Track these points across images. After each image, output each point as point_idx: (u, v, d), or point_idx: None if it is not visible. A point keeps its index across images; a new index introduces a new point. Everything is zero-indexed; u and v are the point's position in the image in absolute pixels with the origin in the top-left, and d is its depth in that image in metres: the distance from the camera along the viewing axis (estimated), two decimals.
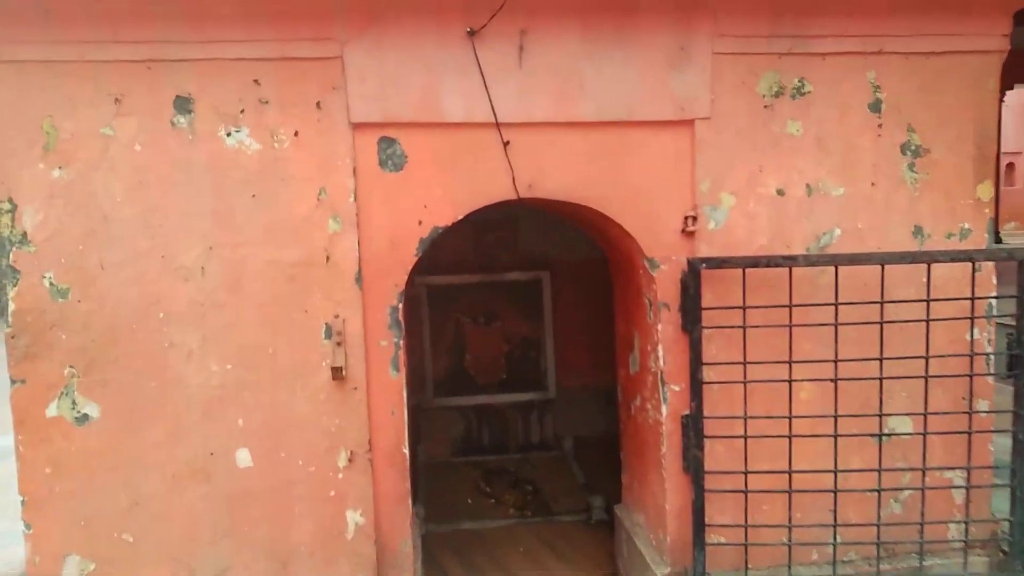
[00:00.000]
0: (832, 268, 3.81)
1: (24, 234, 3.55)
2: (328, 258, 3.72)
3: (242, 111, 3.63)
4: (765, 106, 3.87)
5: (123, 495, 3.71)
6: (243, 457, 3.76)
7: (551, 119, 3.77)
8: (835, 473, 3.88)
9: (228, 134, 3.64)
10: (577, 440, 7.12)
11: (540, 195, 3.83)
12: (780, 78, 3.87)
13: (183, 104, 3.60)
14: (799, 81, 3.88)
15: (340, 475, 3.81)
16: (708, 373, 3.87)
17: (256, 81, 3.62)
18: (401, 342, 3.83)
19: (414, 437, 7.07)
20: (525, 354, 7.34)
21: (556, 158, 3.82)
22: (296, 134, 3.66)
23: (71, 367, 3.63)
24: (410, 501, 3.95)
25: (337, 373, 3.67)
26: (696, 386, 3.82)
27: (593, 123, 3.80)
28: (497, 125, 3.73)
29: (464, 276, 7.07)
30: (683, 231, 3.88)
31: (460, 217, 3.83)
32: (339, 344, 3.72)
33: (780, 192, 3.91)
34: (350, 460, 3.80)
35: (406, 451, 3.88)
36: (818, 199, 3.94)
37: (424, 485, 6.30)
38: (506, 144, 3.76)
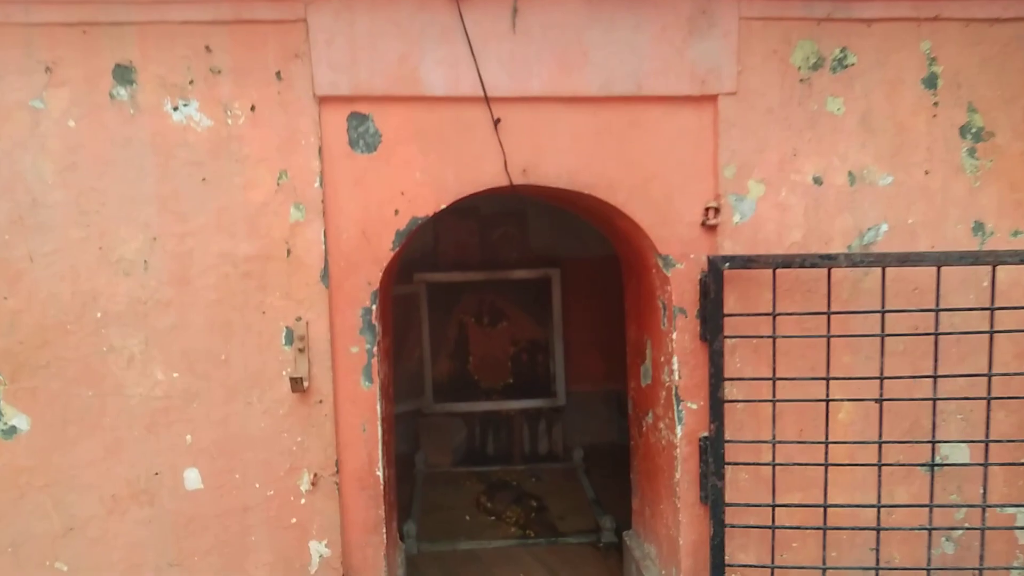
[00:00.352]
0: (878, 270, 3.26)
1: None
2: (289, 252, 3.23)
3: (191, 82, 3.15)
4: (801, 80, 3.31)
5: (56, 518, 3.26)
6: (191, 478, 3.29)
7: (549, 93, 3.24)
8: (878, 508, 3.32)
9: (175, 108, 3.15)
10: (588, 450, 6.60)
11: (536, 181, 3.30)
12: (818, 47, 3.30)
13: (123, 74, 3.13)
14: (841, 51, 3.31)
15: (302, 500, 3.32)
16: (731, 390, 3.33)
17: (207, 47, 3.14)
18: (375, 349, 3.33)
19: (412, 445, 6.61)
20: (533, 358, 6.83)
21: (555, 139, 3.29)
22: (252, 108, 3.17)
23: None
24: (384, 529, 3.45)
25: (297, 384, 3.18)
26: (716, 405, 3.28)
27: (598, 98, 3.26)
28: (486, 100, 3.21)
29: (468, 273, 6.56)
30: (703, 224, 3.34)
31: (444, 206, 3.31)
32: (301, 351, 3.23)
33: (817, 180, 3.35)
34: (313, 483, 3.31)
35: (380, 473, 3.38)
36: (862, 189, 3.37)
37: (420, 498, 5.81)
38: (497, 122, 3.24)
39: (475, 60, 3.18)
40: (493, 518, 5.57)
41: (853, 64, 3.32)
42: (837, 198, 3.36)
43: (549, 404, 6.69)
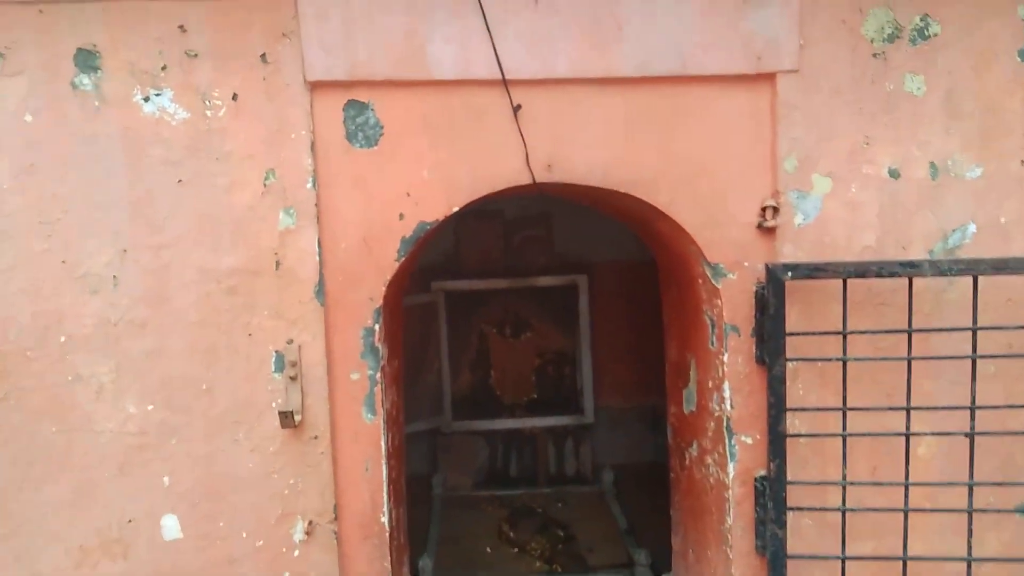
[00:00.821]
0: (966, 279, 2.76)
1: None
2: (279, 264, 2.80)
3: (164, 68, 2.73)
4: (874, 54, 2.82)
5: (18, 572, 2.85)
6: (170, 526, 2.86)
7: (578, 74, 2.78)
8: (968, 562, 2.82)
9: (146, 99, 2.73)
10: (619, 471, 6.09)
11: (563, 179, 2.84)
12: (895, 16, 2.81)
13: (87, 59, 2.71)
14: (921, 20, 2.81)
15: (296, 552, 2.88)
16: (792, 421, 2.84)
17: (182, 27, 2.71)
18: (379, 375, 2.89)
19: (430, 466, 6.17)
20: (559, 370, 6.34)
21: (585, 128, 2.82)
22: (235, 98, 2.74)
23: None
24: None
25: (287, 419, 2.73)
26: (777, 439, 2.79)
27: (636, 79, 2.79)
28: (504, 83, 2.76)
29: (489, 281, 6.09)
30: (759, 227, 2.85)
31: (456, 208, 2.86)
32: (293, 379, 2.80)
33: (894, 173, 2.85)
34: (308, 532, 2.87)
35: (385, 519, 2.93)
36: (946, 182, 2.87)
37: (437, 526, 5.35)
38: (517, 109, 2.78)
39: (491, 36, 2.72)
40: (516, 550, 5.10)
41: (936, 35, 2.82)
42: (917, 194, 2.86)
43: (576, 421, 6.20)
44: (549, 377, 6.35)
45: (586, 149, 2.83)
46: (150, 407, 2.82)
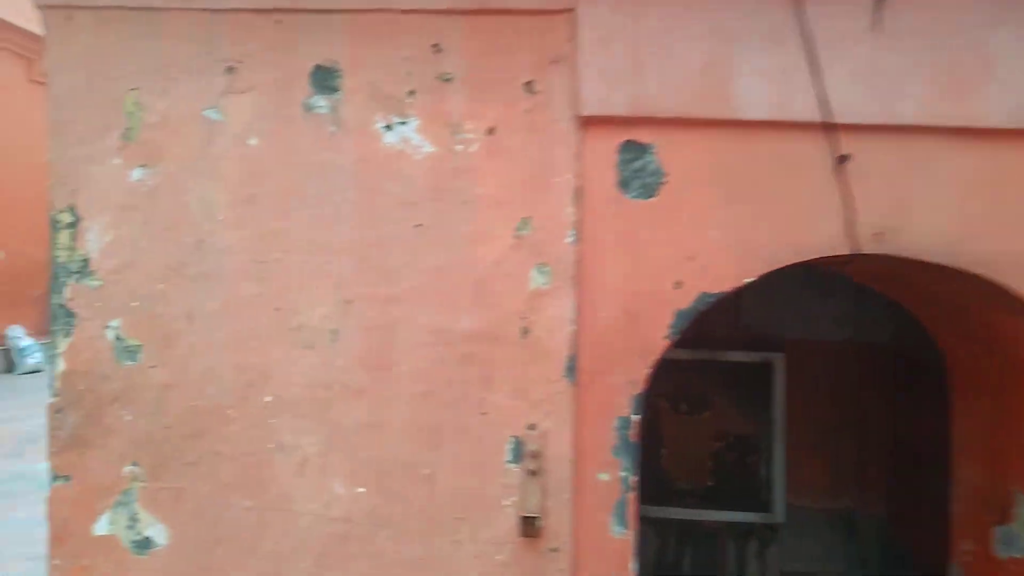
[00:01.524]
0: None
1: (86, 261, 2.38)
2: (526, 331, 2.30)
3: (411, 92, 2.31)
4: None
5: None
6: None
7: (927, 121, 2.19)
8: None
9: (388, 127, 2.33)
10: None
11: (895, 251, 2.23)
12: None
13: (325, 79, 2.34)
14: None
15: None
16: None
17: (436, 46, 2.30)
18: (632, 478, 2.32)
19: None
20: (741, 458, 5.60)
21: (931, 189, 2.21)
22: (490, 132, 2.29)
23: (134, 464, 2.40)
24: None
25: (529, 526, 2.20)
26: None
27: (1004, 131, 2.17)
28: (829, 127, 2.20)
29: (674, 351, 5.46)
30: None
31: (749, 280, 2.32)
32: (534, 473, 2.26)
33: None
34: None
35: None
36: None
37: None
38: (843, 160, 2.21)
39: (815, 70, 2.17)
40: None
41: None
42: None
43: (763, 519, 5.42)
44: (729, 464, 5.61)
45: (931, 216, 2.21)
46: (360, 490, 2.35)
